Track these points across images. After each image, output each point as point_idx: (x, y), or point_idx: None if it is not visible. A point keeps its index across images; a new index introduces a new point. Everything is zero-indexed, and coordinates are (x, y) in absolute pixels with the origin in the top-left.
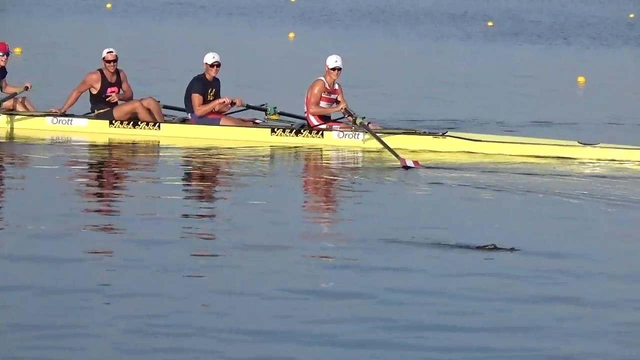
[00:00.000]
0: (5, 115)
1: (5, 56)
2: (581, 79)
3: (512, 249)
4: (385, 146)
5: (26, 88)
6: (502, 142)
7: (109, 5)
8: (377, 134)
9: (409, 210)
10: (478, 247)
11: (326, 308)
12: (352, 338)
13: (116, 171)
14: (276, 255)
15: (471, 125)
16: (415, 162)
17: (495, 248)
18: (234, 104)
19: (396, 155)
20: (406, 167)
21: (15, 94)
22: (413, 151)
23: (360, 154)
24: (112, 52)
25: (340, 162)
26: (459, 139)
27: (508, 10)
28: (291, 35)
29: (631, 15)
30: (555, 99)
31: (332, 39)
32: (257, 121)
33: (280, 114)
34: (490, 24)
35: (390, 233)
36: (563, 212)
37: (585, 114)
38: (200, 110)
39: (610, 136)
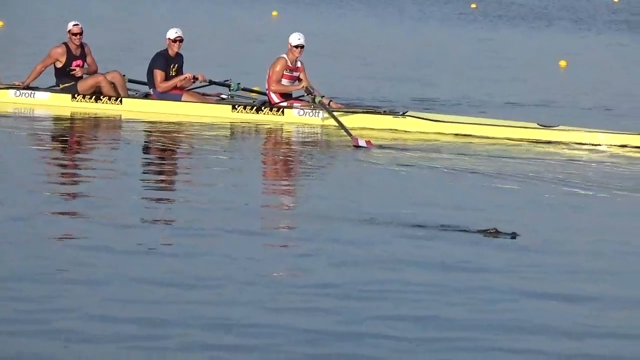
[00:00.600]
0: None
1: None
2: (563, 63)
3: (464, 230)
4: (340, 124)
5: None
6: (461, 122)
7: None
8: (334, 113)
9: (354, 189)
10: (419, 226)
11: (281, 291)
12: (304, 321)
13: (75, 146)
14: (233, 234)
15: (443, 106)
16: (368, 142)
17: (497, 232)
18: (196, 79)
19: (349, 134)
20: (358, 147)
21: None
22: (372, 130)
23: (319, 132)
24: (77, 24)
25: (299, 139)
26: (419, 119)
27: None
28: (274, 13)
29: (615, 0)
30: (534, 82)
31: (315, 17)
32: (223, 96)
33: (244, 89)
34: (473, 5)
35: (338, 211)
36: (512, 193)
37: (561, 97)
38: (161, 86)
39: (580, 119)
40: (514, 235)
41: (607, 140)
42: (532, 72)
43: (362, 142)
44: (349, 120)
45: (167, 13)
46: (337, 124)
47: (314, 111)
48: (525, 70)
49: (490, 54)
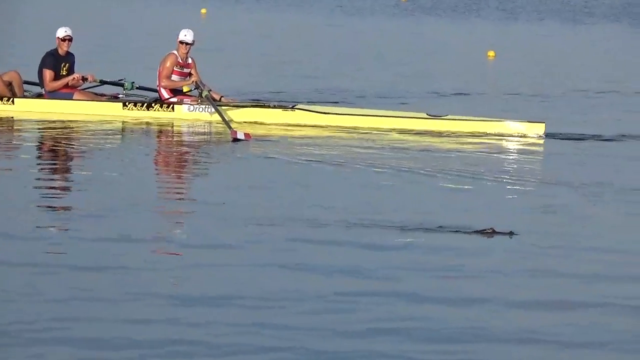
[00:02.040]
0: None
1: None
2: (491, 53)
3: (346, 223)
4: (222, 118)
5: None
6: (350, 114)
7: None
8: (220, 107)
9: (228, 183)
10: (290, 219)
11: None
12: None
13: None
14: (124, 230)
15: (353, 99)
16: (247, 135)
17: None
18: (86, 79)
19: (229, 127)
20: (236, 139)
21: None
22: (263, 124)
23: (207, 128)
24: None
25: (188, 135)
26: (308, 112)
27: None
28: (203, 11)
29: None
30: (460, 73)
31: (243, 14)
32: (120, 96)
33: (139, 88)
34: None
35: (224, 210)
36: (395, 181)
37: (485, 87)
38: (50, 85)
39: (489, 109)
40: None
41: (488, 128)
42: (460, 63)
43: (240, 135)
44: (240, 114)
45: (94, 10)
46: (222, 119)
47: (203, 107)
48: (453, 61)
49: (420, 46)
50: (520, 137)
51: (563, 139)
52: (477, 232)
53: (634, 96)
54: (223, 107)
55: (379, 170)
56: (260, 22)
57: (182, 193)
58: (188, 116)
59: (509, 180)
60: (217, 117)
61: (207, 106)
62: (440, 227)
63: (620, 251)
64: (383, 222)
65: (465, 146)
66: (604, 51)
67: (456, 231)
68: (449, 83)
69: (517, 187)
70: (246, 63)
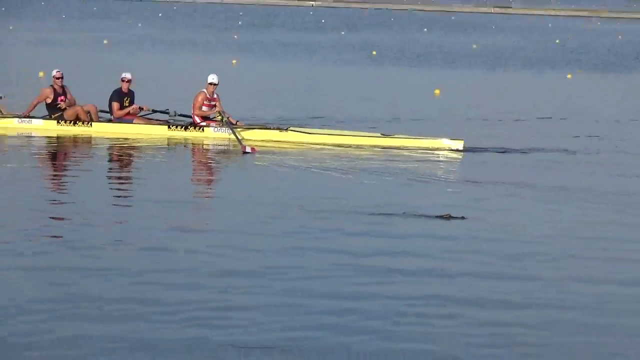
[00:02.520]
0: None
1: None
2: (437, 91)
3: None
4: (236, 137)
5: (0, 97)
6: (328, 134)
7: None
8: (235, 129)
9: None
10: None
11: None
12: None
13: (58, 156)
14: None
15: (333, 123)
16: (252, 148)
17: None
18: (142, 109)
19: (240, 143)
20: (245, 152)
21: None
22: (264, 141)
23: (227, 143)
24: (59, 71)
25: (213, 149)
26: (297, 132)
27: (394, 42)
28: (234, 61)
29: (474, 46)
30: (412, 105)
31: (263, 64)
32: (170, 121)
33: (180, 115)
34: (374, 52)
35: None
36: (359, 183)
37: (430, 115)
38: (117, 113)
39: (429, 130)
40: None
41: (424, 144)
42: (413, 98)
43: (248, 149)
44: (249, 134)
45: (147, 59)
46: (235, 137)
47: (224, 129)
48: (408, 96)
49: (384, 86)
50: (448, 150)
51: (477, 151)
52: (437, 216)
53: (535, 121)
54: (237, 129)
55: (348, 173)
56: (272, 68)
57: (210, 188)
58: (214, 135)
59: (440, 180)
60: (233, 136)
61: (226, 128)
62: (404, 213)
63: (530, 234)
64: (359, 209)
65: (407, 157)
66: (517, 88)
67: (420, 215)
68: (403, 112)
69: (448, 184)
70: (258, 97)
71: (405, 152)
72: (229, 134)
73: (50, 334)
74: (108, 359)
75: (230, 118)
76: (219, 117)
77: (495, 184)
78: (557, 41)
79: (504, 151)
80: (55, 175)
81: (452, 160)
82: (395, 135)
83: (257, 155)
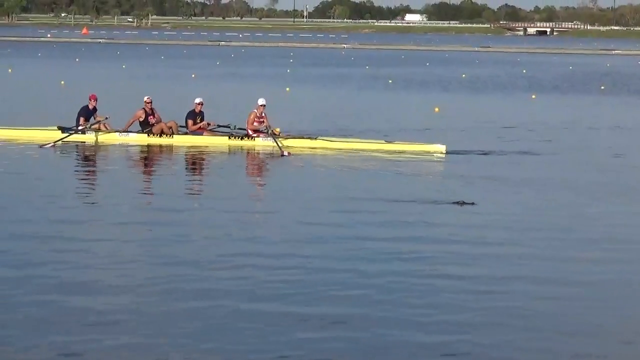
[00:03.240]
0: (94, 132)
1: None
2: (437, 108)
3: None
4: (277, 145)
5: (106, 118)
6: (348, 141)
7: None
8: (276, 138)
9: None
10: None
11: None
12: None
13: (148, 160)
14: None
15: (355, 133)
16: (289, 153)
17: (462, 203)
18: (210, 124)
19: (280, 148)
20: (283, 155)
21: (99, 121)
22: (300, 147)
23: (272, 149)
24: (149, 97)
25: (264, 153)
26: (324, 140)
27: (404, 73)
28: (287, 89)
29: (463, 75)
30: (416, 119)
31: (309, 91)
32: (232, 133)
33: (239, 128)
34: (390, 81)
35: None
36: (375, 182)
37: (427, 126)
38: (191, 128)
39: (431, 138)
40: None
41: (420, 148)
42: (417, 114)
43: (285, 153)
44: (287, 142)
45: (222, 88)
46: (276, 144)
47: (269, 138)
48: (414, 113)
49: (395, 105)
50: (435, 152)
51: (458, 154)
52: (453, 202)
53: (508, 130)
54: (279, 138)
55: (366, 170)
56: (315, 94)
57: (259, 182)
58: (262, 143)
59: (429, 176)
60: (275, 144)
61: (270, 138)
62: (422, 199)
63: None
64: (381, 198)
65: (405, 158)
66: (495, 106)
67: (435, 202)
68: (411, 124)
69: (437, 179)
70: (304, 114)
71: (401, 155)
72: (272, 143)
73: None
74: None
75: (274, 130)
76: (267, 130)
77: (479, 178)
78: (524, 71)
79: (485, 153)
80: (145, 174)
81: (436, 159)
82: (395, 142)
83: (292, 157)
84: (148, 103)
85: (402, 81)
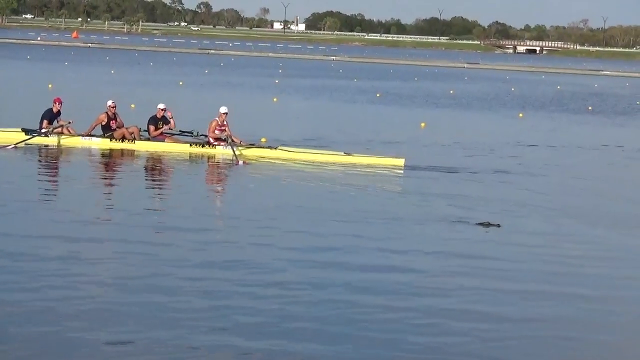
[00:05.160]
0: (57, 135)
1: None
2: (423, 124)
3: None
4: (234, 154)
5: (69, 122)
6: (309, 152)
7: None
8: (234, 147)
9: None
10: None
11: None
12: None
13: (109, 164)
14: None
15: (330, 143)
16: (245, 162)
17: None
18: (171, 129)
19: (236, 157)
20: (238, 164)
21: (62, 125)
22: (259, 157)
23: (231, 157)
24: (113, 102)
25: (221, 160)
26: (284, 150)
27: (392, 87)
28: (275, 99)
29: (451, 91)
30: (399, 134)
31: (295, 101)
32: (192, 139)
33: (201, 135)
34: (378, 95)
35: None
36: (324, 193)
37: (412, 140)
38: (153, 134)
39: (412, 152)
40: None
41: (380, 161)
42: (403, 129)
43: (240, 162)
44: (248, 151)
45: (208, 96)
46: (233, 153)
47: (229, 147)
48: (400, 128)
49: (383, 119)
50: (394, 166)
51: (418, 169)
52: (477, 224)
53: (497, 145)
54: (240, 147)
55: (321, 181)
56: (302, 104)
57: (215, 189)
58: (222, 151)
59: (388, 190)
60: (232, 152)
61: (230, 146)
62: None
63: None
64: (330, 210)
65: (362, 171)
66: (482, 123)
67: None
68: (397, 138)
69: (394, 193)
70: (290, 123)
71: (360, 168)
72: (232, 151)
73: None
74: None
75: (234, 139)
76: (226, 138)
77: (432, 195)
78: (513, 89)
79: (431, 169)
80: (104, 179)
81: (395, 173)
82: (353, 154)
83: (248, 167)
84: (112, 107)
85: (390, 95)
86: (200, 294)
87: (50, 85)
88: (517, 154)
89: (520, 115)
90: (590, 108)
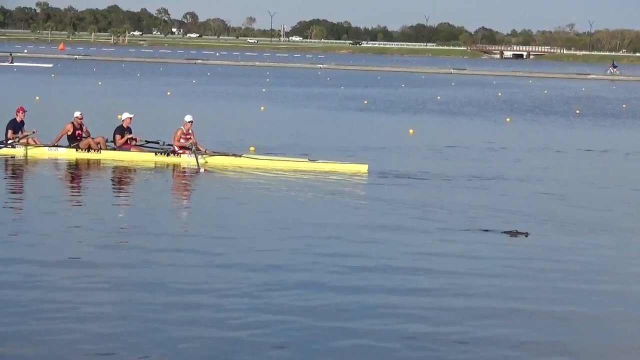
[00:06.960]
0: (24, 146)
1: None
2: (411, 130)
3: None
4: (197, 162)
5: (33, 132)
6: (274, 159)
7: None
8: (198, 155)
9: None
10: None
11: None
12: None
13: (75, 174)
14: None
15: (308, 151)
16: (206, 170)
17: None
18: (136, 140)
19: (198, 165)
20: (199, 171)
21: (27, 135)
22: (224, 164)
23: (195, 165)
24: (80, 113)
25: (188, 170)
26: (248, 158)
27: (380, 94)
28: (262, 107)
29: (439, 97)
30: (390, 141)
31: (280, 108)
32: (156, 149)
33: (166, 144)
34: (366, 102)
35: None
36: (290, 200)
37: (401, 146)
38: (118, 143)
39: (380, 158)
40: None
41: (344, 168)
42: (392, 136)
43: (202, 170)
44: (213, 159)
45: (196, 105)
46: (196, 160)
47: (193, 155)
48: (389, 135)
49: (371, 128)
50: (357, 172)
51: (382, 176)
52: (504, 232)
53: (484, 150)
54: (204, 155)
55: (285, 190)
56: (290, 112)
57: (179, 196)
58: (188, 160)
59: (350, 198)
60: (201, 160)
61: (194, 154)
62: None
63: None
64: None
65: (326, 177)
66: (470, 129)
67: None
68: (386, 145)
69: (357, 202)
70: (277, 131)
71: (326, 174)
72: (197, 159)
73: None
74: None
75: (199, 147)
76: (191, 146)
77: (396, 202)
78: (500, 93)
79: (397, 175)
80: (72, 187)
81: (358, 179)
82: (319, 160)
83: (211, 174)
84: (79, 119)
85: (378, 102)
86: (164, 304)
87: (37, 98)
88: (504, 158)
89: (508, 119)
90: (578, 111)
